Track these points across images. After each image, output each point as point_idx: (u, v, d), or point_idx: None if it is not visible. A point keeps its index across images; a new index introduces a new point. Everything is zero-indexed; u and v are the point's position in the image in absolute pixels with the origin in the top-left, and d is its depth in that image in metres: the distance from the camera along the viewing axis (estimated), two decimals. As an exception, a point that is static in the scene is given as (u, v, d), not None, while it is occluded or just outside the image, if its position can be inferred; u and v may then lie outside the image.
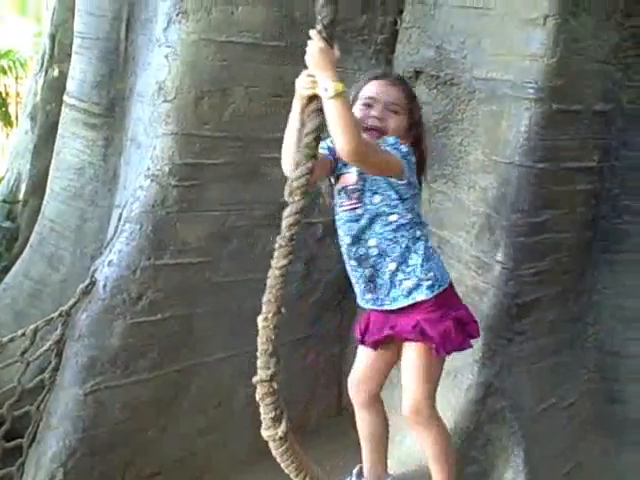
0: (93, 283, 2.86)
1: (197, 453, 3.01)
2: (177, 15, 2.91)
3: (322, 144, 2.23)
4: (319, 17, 2.02)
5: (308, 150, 2.09)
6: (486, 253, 2.85)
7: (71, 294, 2.89)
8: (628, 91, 2.96)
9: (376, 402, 2.65)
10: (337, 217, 2.46)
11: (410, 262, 2.36)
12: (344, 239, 2.43)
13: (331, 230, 3.16)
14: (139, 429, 2.85)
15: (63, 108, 3.47)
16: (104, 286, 2.84)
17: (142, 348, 2.85)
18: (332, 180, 2.47)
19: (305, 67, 2.11)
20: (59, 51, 3.72)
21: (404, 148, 2.36)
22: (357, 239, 2.38)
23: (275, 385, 2.18)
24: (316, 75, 2.06)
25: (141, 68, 3.19)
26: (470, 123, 2.94)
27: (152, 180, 2.91)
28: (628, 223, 3.09)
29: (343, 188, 2.41)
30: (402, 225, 2.36)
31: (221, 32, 2.91)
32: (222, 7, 2.89)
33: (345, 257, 2.46)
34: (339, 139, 2.10)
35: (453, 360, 2.60)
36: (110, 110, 3.31)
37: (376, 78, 2.46)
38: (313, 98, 2.10)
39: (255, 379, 2.20)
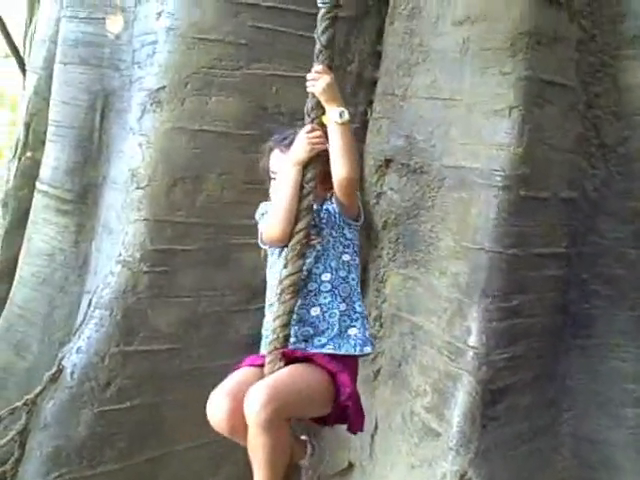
0: (60, 370, 2.81)
1: None
2: (151, 105, 2.97)
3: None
4: (318, 42, 2.13)
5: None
6: (458, 338, 2.84)
7: (37, 382, 2.84)
8: (592, 179, 3.03)
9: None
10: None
11: (357, 308, 2.31)
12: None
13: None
14: (105, 524, 2.76)
15: (35, 194, 3.47)
16: (72, 373, 2.79)
17: (110, 437, 2.79)
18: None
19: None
20: (33, 139, 3.74)
21: None
22: (310, 272, 2.29)
23: None
24: (328, 104, 2.15)
25: (115, 156, 3.22)
26: (440, 210, 2.98)
27: (123, 266, 2.90)
28: (597, 308, 3.11)
29: None
30: (353, 267, 2.33)
31: (194, 121, 2.96)
32: (196, 97, 2.96)
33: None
34: (350, 164, 2.16)
35: (426, 449, 2.55)
36: (82, 197, 3.32)
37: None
38: (312, 160, 2.17)
39: None
